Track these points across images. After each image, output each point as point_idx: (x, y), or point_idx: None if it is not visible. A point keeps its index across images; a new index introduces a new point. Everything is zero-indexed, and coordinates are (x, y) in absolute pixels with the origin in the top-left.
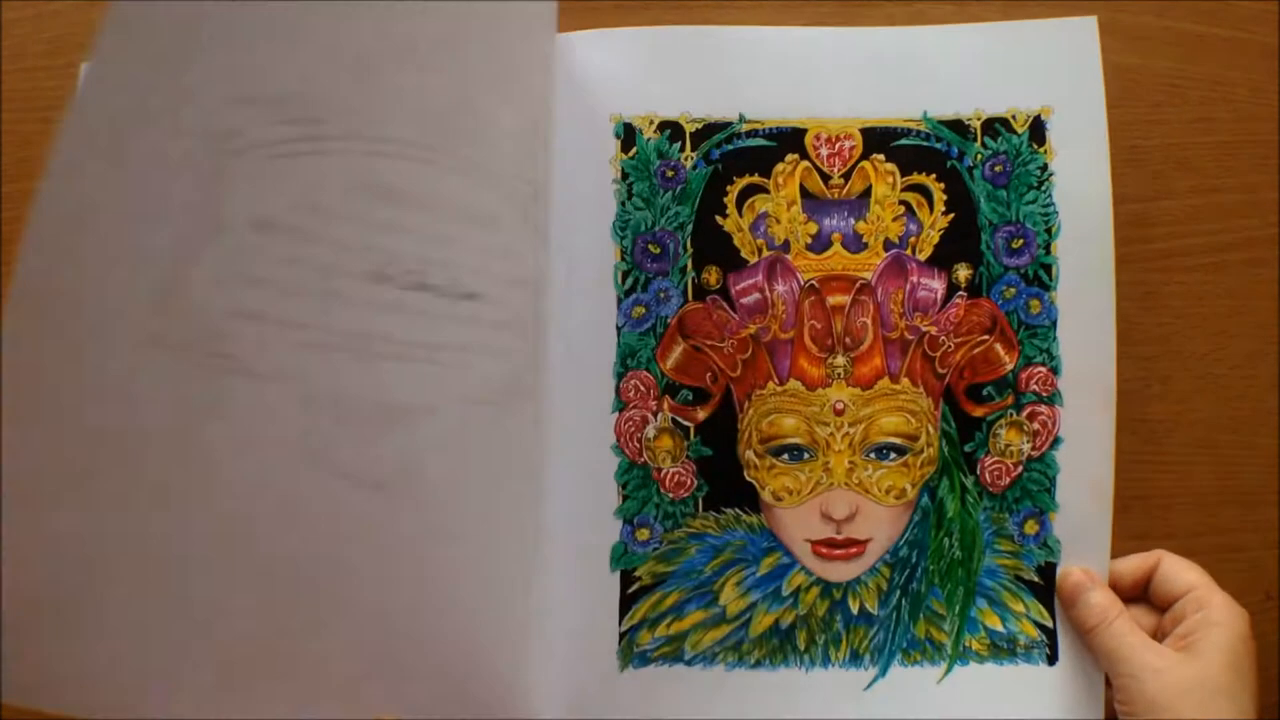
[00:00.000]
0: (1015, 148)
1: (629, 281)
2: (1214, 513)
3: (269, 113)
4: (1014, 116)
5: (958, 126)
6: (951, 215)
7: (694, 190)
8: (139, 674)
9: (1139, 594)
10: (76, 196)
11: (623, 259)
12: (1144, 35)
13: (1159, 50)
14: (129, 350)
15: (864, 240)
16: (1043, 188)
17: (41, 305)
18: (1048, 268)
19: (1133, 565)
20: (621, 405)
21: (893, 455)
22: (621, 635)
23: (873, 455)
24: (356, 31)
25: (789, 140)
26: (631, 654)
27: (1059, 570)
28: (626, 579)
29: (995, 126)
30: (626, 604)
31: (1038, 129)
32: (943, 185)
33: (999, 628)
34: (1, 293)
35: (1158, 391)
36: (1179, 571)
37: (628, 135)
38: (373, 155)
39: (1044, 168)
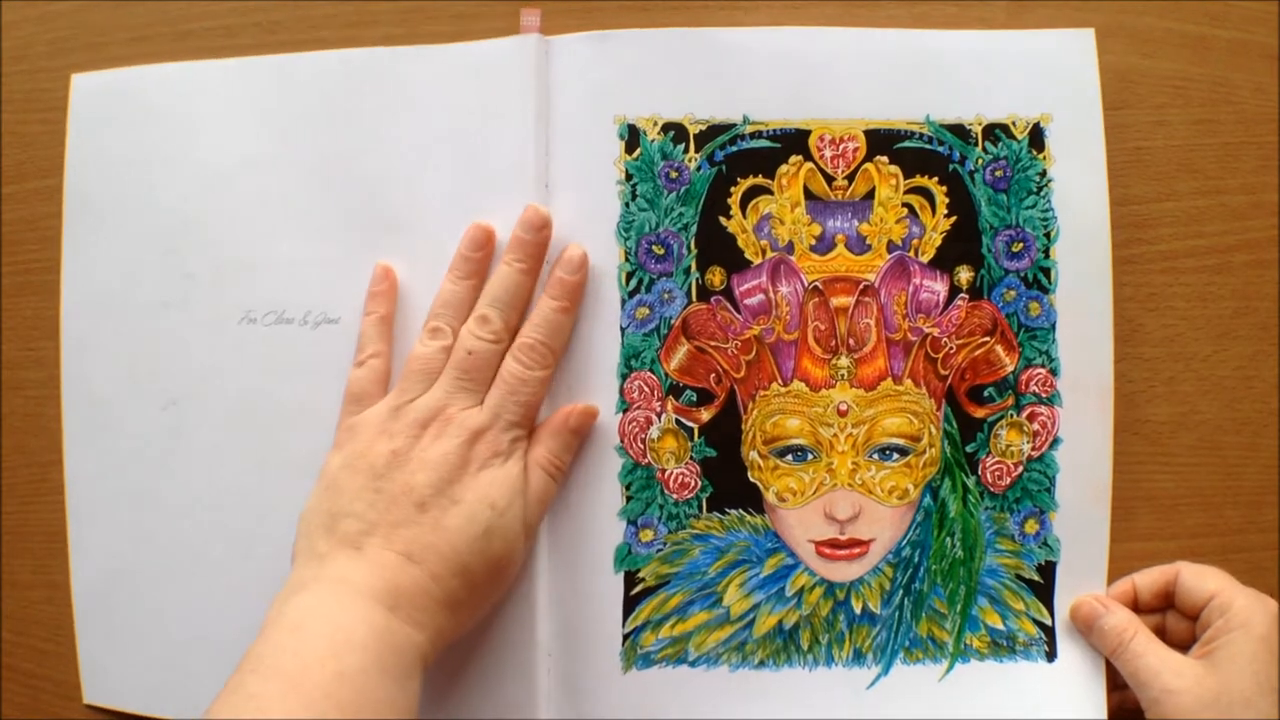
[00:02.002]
0: (1015, 153)
1: (633, 282)
2: (1217, 514)
3: None
4: (1014, 123)
5: (959, 131)
6: (953, 218)
7: (698, 191)
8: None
9: (1166, 603)
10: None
11: (626, 260)
12: (1147, 37)
13: (1162, 52)
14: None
15: (867, 242)
16: (1042, 193)
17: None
18: (1047, 271)
19: (1153, 578)
20: (625, 406)
21: (896, 456)
22: (625, 637)
23: (876, 456)
24: None
25: (793, 141)
26: (635, 655)
27: (1071, 602)
28: (630, 580)
29: (996, 132)
30: (630, 605)
31: (1037, 136)
32: (945, 188)
33: (999, 625)
34: (1, 293)
35: (1161, 393)
36: (1199, 580)
37: (632, 137)
38: None
39: (1043, 174)
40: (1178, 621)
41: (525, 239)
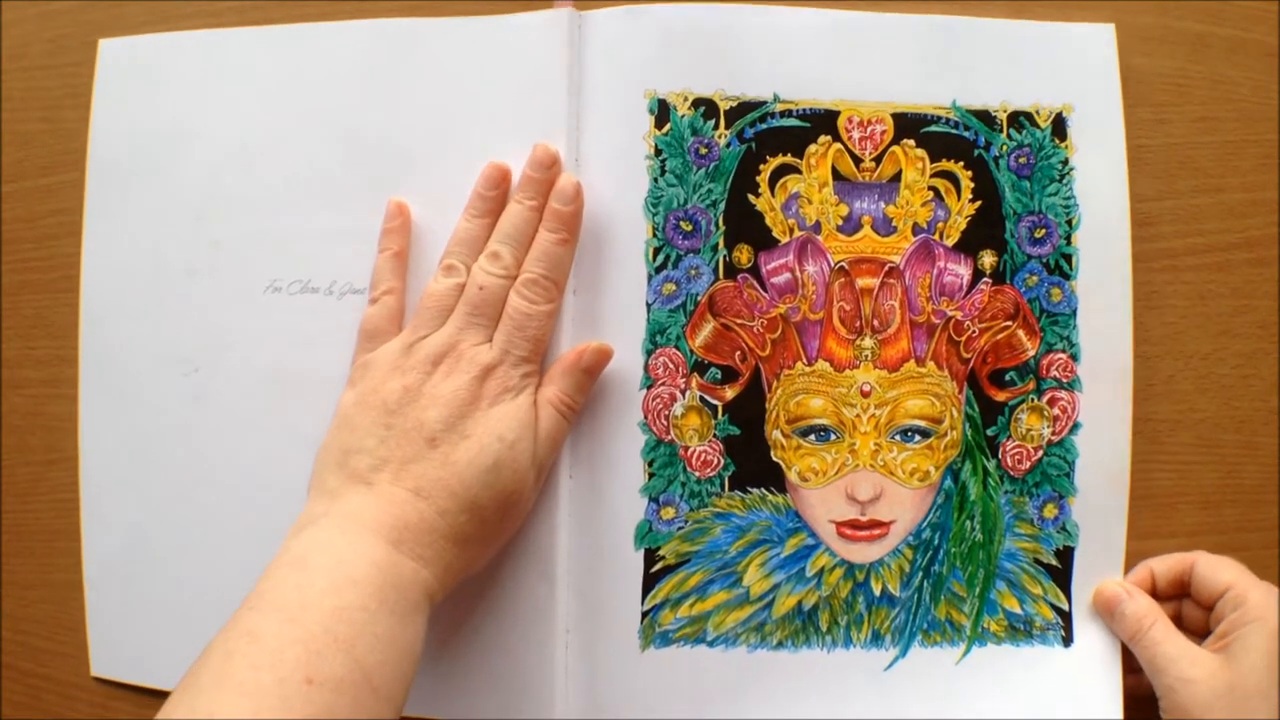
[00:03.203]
0: (1039, 141)
1: (660, 258)
2: (1216, 512)
3: None
4: (1038, 111)
5: (985, 117)
6: (978, 203)
7: (727, 168)
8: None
9: (1183, 591)
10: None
11: (654, 235)
12: (1148, 35)
13: (1163, 50)
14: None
15: (893, 224)
16: (1064, 181)
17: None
18: (1068, 258)
19: (1169, 565)
20: (650, 382)
21: (917, 438)
22: (644, 615)
23: (898, 437)
24: None
25: (822, 122)
26: (654, 634)
27: (1095, 585)
28: (650, 558)
29: (1020, 120)
30: (650, 583)
31: (1059, 125)
32: (970, 173)
33: (1017, 610)
34: (1, 291)
35: (1160, 391)
36: (1215, 571)
37: (662, 111)
38: None
39: (1065, 162)
40: (1194, 609)
41: (535, 177)
